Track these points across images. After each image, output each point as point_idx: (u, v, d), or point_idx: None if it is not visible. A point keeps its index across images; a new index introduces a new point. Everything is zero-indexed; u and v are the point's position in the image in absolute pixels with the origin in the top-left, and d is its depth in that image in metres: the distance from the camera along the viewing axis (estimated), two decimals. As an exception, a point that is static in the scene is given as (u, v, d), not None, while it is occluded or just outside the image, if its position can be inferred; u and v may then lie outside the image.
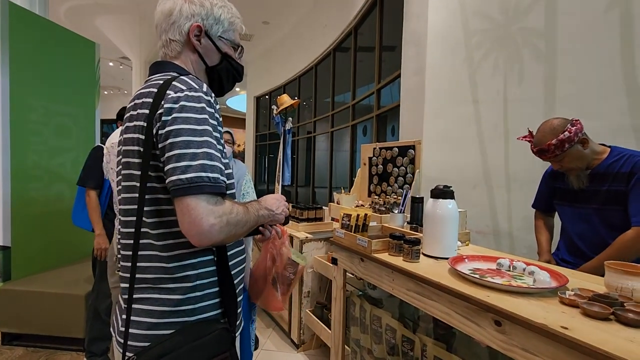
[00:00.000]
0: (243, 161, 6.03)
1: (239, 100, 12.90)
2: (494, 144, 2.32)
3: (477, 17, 2.40)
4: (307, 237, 2.32)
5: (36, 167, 2.67)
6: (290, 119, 3.33)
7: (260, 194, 1.25)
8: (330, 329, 1.93)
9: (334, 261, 1.63)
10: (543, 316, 0.81)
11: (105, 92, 13.34)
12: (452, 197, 1.29)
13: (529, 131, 1.51)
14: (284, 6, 6.51)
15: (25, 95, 2.57)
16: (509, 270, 1.12)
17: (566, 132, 1.35)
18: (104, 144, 2.12)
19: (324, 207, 2.63)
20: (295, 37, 7.20)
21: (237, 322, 0.80)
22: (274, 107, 3.41)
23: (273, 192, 3.17)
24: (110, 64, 10.43)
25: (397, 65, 3.41)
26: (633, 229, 1.29)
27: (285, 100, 3.36)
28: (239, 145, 11.82)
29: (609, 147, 1.44)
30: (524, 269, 1.09)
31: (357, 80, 5.09)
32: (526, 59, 2.18)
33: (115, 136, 1.74)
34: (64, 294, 2.29)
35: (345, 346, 1.65)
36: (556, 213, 1.66)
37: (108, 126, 9.04)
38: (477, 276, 1.03)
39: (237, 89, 12.32)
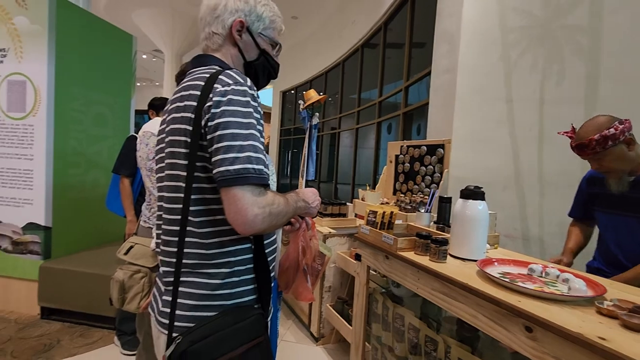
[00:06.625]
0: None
1: (265, 94, 13.03)
2: (528, 145, 2.23)
3: (515, 14, 2.31)
4: (330, 232, 2.34)
5: (75, 153, 2.82)
6: (317, 114, 3.33)
7: (283, 188, 1.27)
8: (350, 325, 1.94)
9: (358, 257, 1.64)
10: (578, 325, 0.78)
11: (138, 84, 13.85)
12: (483, 198, 1.26)
13: (572, 127, 1.42)
14: (313, 1, 6.50)
15: (69, 84, 2.71)
16: (541, 277, 1.09)
17: (612, 129, 1.24)
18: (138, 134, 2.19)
19: (347, 204, 2.63)
20: (324, 32, 7.19)
21: (269, 309, 0.83)
22: (300, 102, 3.42)
23: (296, 187, 3.19)
24: (144, 56, 10.82)
25: (426, 63, 3.34)
26: None
27: (312, 95, 3.36)
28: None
29: None
30: (558, 276, 1.05)
31: (384, 77, 5.03)
32: (567, 57, 2.08)
33: (150, 125, 1.79)
34: (97, 274, 2.41)
35: (366, 343, 1.66)
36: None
37: (139, 116, 9.36)
38: (507, 280, 1.00)
39: (264, 83, 12.44)
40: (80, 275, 2.44)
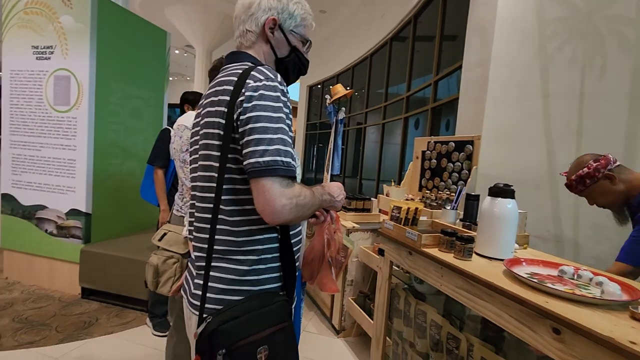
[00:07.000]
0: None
1: (292, 89, 13.12)
2: (564, 143, 2.14)
3: (554, 4, 2.20)
4: (354, 227, 2.35)
5: (114, 145, 2.98)
6: (343, 108, 3.33)
7: (307, 182, 1.29)
8: (371, 319, 1.95)
9: (381, 252, 1.64)
10: (610, 329, 0.76)
11: (170, 78, 14.30)
12: (513, 197, 1.23)
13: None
14: (342, -6, 6.45)
15: (108, 79, 2.86)
16: (573, 279, 1.05)
17: (585, 169, 1.31)
18: (171, 127, 2.28)
19: (372, 199, 2.63)
20: (352, 26, 7.12)
21: (293, 296, 0.86)
22: (327, 96, 3.43)
23: (321, 181, 3.21)
24: (176, 51, 11.16)
25: (457, 56, 3.25)
26: (614, 263, 1.28)
27: (339, 89, 3.36)
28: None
29: None
30: (591, 279, 1.02)
31: (413, 72, 4.93)
32: (610, 50, 1.96)
33: (184, 119, 1.86)
34: (132, 259, 2.56)
35: (387, 337, 1.66)
36: None
37: (171, 110, 9.69)
38: (535, 281, 0.98)
39: (291, 78, 12.51)
40: (117, 260, 2.60)
